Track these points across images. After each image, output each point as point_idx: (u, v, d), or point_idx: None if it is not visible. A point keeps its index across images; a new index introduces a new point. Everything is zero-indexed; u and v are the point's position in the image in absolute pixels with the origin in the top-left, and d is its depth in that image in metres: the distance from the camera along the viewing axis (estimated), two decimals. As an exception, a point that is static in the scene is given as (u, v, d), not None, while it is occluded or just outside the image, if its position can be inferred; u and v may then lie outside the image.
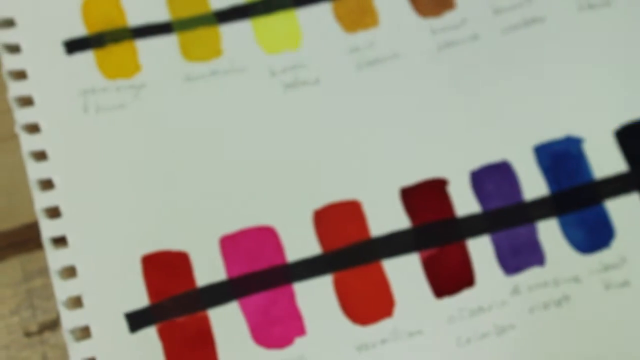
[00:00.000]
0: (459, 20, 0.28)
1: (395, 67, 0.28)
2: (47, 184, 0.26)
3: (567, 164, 0.27)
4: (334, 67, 0.28)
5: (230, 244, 0.25)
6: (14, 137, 0.26)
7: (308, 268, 0.26)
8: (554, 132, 0.27)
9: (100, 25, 0.28)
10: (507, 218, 0.26)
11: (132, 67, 0.27)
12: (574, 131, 0.27)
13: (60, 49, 0.27)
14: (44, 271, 0.26)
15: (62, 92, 0.27)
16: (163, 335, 0.24)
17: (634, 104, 0.27)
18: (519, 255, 0.26)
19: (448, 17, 0.28)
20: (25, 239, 0.26)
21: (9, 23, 0.27)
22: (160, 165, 0.26)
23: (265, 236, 0.26)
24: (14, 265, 0.26)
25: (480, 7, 0.28)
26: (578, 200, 0.26)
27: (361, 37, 0.28)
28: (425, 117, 0.27)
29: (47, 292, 0.26)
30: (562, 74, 0.28)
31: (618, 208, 0.26)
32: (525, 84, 0.28)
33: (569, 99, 0.27)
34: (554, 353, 0.25)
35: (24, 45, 0.27)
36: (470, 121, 0.27)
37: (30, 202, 0.26)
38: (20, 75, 0.26)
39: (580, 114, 0.27)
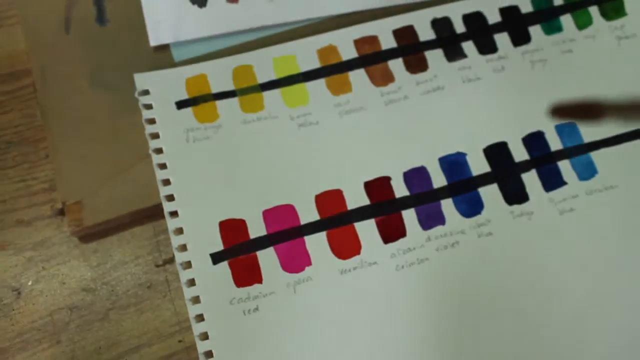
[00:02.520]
0: (396, 88, 0.33)
1: (361, 115, 0.33)
2: (166, 182, 0.31)
3: (457, 167, 0.32)
4: (327, 115, 0.32)
5: (269, 214, 0.31)
6: (149, 156, 0.32)
7: (312, 227, 0.30)
8: (449, 149, 0.32)
9: (196, 92, 0.33)
10: (424, 198, 0.31)
11: (214, 116, 0.32)
12: (461, 149, 0.32)
13: (174, 106, 0.32)
14: (165, 231, 0.32)
15: (174, 130, 0.32)
16: (231, 267, 0.30)
17: (492, 135, 0.33)
18: (431, 219, 0.31)
19: (390, 86, 0.33)
20: (155, 213, 0.32)
21: (146, 92, 0.33)
22: (230, 171, 0.31)
23: (289, 209, 0.31)
24: (149, 228, 0.32)
25: (409, 80, 0.33)
26: (463, 187, 0.31)
27: (342, 97, 0.33)
28: (378, 141, 0.32)
29: (167, 242, 0.31)
30: (454, 117, 0.33)
31: (485, 192, 0.32)
32: (434, 124, 0.33)
33: (458, 132, 0.33)
34: (449, 274, 0.30)
35: (154, 105, 0.32)
36: (404, 143, 0.32)
37: (158, 192, 0.31)
38: (152, 121, 0.32)
39: (464, 140, 0.32)
